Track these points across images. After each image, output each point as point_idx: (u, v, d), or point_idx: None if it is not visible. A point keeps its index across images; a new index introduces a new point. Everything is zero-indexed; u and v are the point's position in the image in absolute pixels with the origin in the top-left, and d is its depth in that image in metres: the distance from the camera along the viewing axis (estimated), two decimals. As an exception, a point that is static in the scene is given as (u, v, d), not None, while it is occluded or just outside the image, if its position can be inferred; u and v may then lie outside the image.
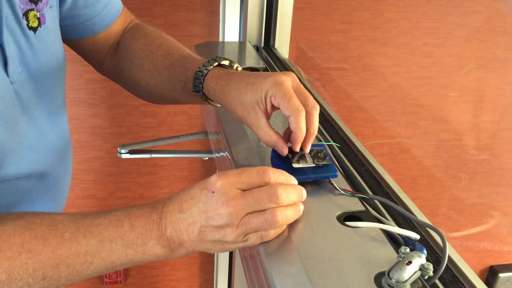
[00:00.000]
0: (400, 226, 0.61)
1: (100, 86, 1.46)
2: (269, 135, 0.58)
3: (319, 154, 0.61)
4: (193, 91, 0.64)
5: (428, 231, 0.60)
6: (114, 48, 0.77)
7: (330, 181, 0.62)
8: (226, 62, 0.66)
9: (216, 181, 0.49)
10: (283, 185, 0.49)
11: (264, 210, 0.48)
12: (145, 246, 0.49)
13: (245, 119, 0.59)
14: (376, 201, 0.64)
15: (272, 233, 0.50)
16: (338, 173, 0.62)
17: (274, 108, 0.58)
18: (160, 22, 1.41)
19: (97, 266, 0.49)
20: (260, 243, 0.51)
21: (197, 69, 0.64)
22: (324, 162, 0.60)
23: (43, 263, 0.47)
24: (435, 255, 0.57)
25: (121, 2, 0.76)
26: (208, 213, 0.48)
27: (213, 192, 0.48)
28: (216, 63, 0.64)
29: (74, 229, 0.49)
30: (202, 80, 0.63)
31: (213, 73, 0.63)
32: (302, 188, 0.52)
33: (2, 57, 0.54)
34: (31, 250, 0.47)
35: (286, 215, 0.49)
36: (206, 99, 0.65)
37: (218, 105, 0.66)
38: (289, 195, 0.49)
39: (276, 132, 0.58)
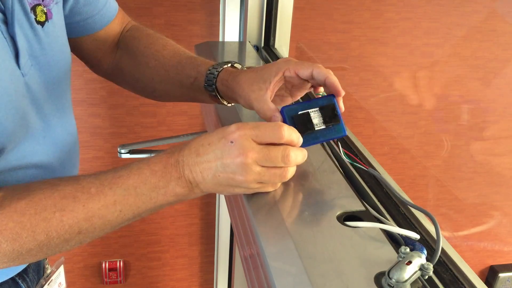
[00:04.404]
0: (400, 226, 0.61)
1: (100, 86, 1.46)
2: (267, 105, 0.61)
3: (329, 112, 0.61)
4: (204, 84, 0.68)
5: (428, 232, 0.60)
6: (112, 47, 0.79)
7: (337, 142, 0.63)
8: (238, 66, 0.70)
9: (235, 132, 0.52)
10: (293, 148, 0.54)
11: (275, 167, 0.53)
12: (166, 188, 0.54)
13: (249, 98, 0.62)
14: (373, 175, 0.65)
15: (279, 184, 0.58)
16: (347, 132, 0.63)
17: (281, 84, 0.63)
18: (160, 22, 1.41)
19: (125, 213, 0.54)
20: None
21: (212, 66, 0.69)
22: (333, 122, 0.61)
23: (77, 218, 0.52)
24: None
25: (116, 2, 0.78)
26: (224, 160, 0.52)
27: (232, 142, 0.52)
28: (230, 64, 0.69)
29: (98, 184, 0.53)
30: (216, 75, 0.67)
31: (226, 70, 0.68)
32: (306, 152, 0.57)
33: (14, 49, 0.56)
34: (64, 209, 0.51)
35: (292, 173, 0.56)
36: (214, 93, 0.68)
37: (225, 102, 0.70)
38: (297, 158, 0.55)
39: (275, 106, 0.62)
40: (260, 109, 0.61)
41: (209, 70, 0.68)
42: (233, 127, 0.53)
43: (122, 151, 1.12)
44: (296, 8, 1.31)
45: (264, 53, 1.29)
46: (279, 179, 0.55)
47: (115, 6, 0.77)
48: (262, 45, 1.31)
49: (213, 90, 0.68)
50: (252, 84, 0.62)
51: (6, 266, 0.53)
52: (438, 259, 0.56)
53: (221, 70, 0.67)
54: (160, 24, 1.41)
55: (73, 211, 0.51)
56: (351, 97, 1.67)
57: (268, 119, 0.61)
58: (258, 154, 0.52)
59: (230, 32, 1.32)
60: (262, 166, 0.53)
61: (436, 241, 0.52)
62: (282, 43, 1.32)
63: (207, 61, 0.71)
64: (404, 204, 0.66)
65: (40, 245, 0.51)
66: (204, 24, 1.44)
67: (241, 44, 1.31)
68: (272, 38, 1.31)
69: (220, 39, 1.36)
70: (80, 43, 0.76)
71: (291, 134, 0.54)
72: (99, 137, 1.53)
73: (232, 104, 0.71)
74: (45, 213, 0.51)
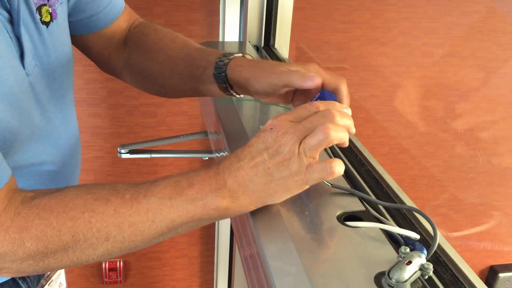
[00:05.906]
0: (400, 226, 0.61)
1: (100, 86, 1.46)
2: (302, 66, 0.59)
3: None
4: (214, 72, 0.65)
5: (428, 232, 0.60)
6: (120, 44, 0.79)
7: None
8: (249, 57, 0.68)
9: (272, 121, 0.51)
10: (337, 110, 0.51)
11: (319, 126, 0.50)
12: (204, 200, 0.50)
13: (280, 68, 0.60)
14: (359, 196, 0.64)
15: (336, 171, 0.51)
16: None
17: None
18: (160, 22, 1.41)
19: (158, 224, 0.50)
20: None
21: (222, 54, 0.66)
22: None
23: (106, 222, 0.49)
24: (435, 255, 0.57)
25: (123, 0, 0.78)
26: (270, 149, 0.50)
27: (271, 128, 0.50)
28: (241, 54, 0.67)
29: (134, 191, 0.51)
30: (226, 63, 0.64)
31: (238, 58, 0.65)
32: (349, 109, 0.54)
33: (19, 49, 0.56)
34: (94, 210, 0.49)
35: (337, 131, 0.50)
36: (224, 84, 0.66)
37: (233, 92, 0.67)
38: (343, 117, 0.51)
39: None
40: (299, 70, 0.59)
41: (219, 58, 0.66)
42: (269, 121, 0.52)
43: (122, 151, 1.12)
44: (296, 8, 1.31)
45: (264, 53, 1.29)
46: (321, 139, 0.49)
47: (121, 4, 0.77)
48: (262, 45, 1.31)
49: (223, 76, 0.65)
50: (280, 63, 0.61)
51: (32, 272, 0.51)
52: (439, 259, 0.56)
53: (232, 58, 0.65)
54: (160, 24, 1.40)
55: (103, 213, 0.49)
56: (351, 97, 1.66)
57: (309, 77, 0.58)
58: (301, 125, 0.50)
59: (230, 32, 1.32)
60: (307, 136, 0.50)
61: (433, 237, 0.52)
62: (282, 43, 1.32)
63: (218, 51, 0.69)
64: (403, 203, 0.66)
65: (66, 247, 0.49)
66: (204, 24, 1.44)
67: (241, 44, 1.31)
68: (272, 38, 1.31)
69: (220, 39, 1.36)
70: (86, 41, 0.76)
71: (328, 104, 0.53)
72: (99, 137, 1.53)
73: (241, 96, 0.68)
74: (73, 212, 0.49)
